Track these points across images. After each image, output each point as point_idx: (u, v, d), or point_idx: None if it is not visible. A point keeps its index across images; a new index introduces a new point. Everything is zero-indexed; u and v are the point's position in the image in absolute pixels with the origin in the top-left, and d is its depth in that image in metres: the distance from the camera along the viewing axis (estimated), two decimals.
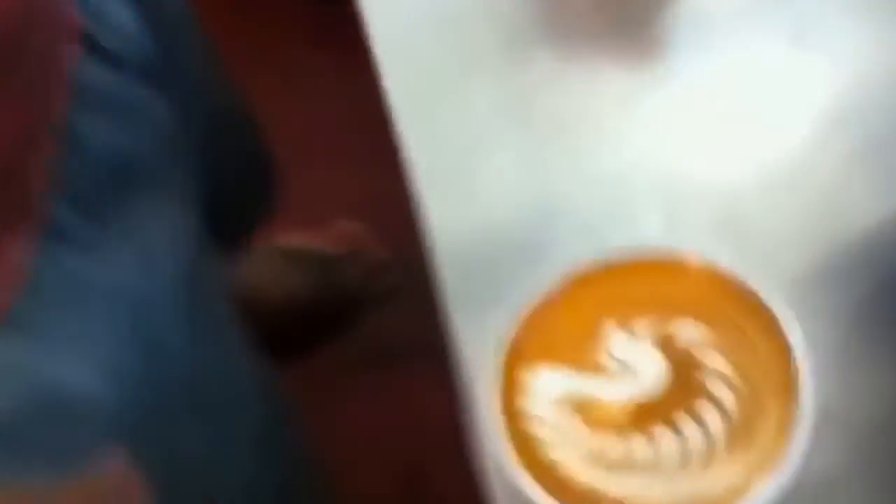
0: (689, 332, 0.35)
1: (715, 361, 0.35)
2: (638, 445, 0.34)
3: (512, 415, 0.35)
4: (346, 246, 1.01)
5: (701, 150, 0.47)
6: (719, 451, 0.34)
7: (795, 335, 0.34)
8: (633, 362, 0.35)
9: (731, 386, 0.34)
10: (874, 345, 0.42)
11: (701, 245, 0.37)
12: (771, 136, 0.47)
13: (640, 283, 0.36)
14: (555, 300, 0.36)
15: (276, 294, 0.99)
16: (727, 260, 0.36)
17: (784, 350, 0.34)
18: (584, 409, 0.35)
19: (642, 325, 0.36)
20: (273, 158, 0.80)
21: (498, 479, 0.41)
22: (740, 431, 0.34)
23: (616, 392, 0.35)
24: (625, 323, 0.36)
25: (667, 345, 0.35)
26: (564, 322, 0.36)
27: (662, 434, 0.34)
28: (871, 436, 0.40)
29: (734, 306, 0.36)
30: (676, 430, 0.34)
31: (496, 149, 0.48)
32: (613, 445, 0.34)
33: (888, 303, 0.42)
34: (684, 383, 0.35)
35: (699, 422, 0.34)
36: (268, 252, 0.99)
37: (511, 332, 0.36)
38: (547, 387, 0.35)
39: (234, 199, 0.70)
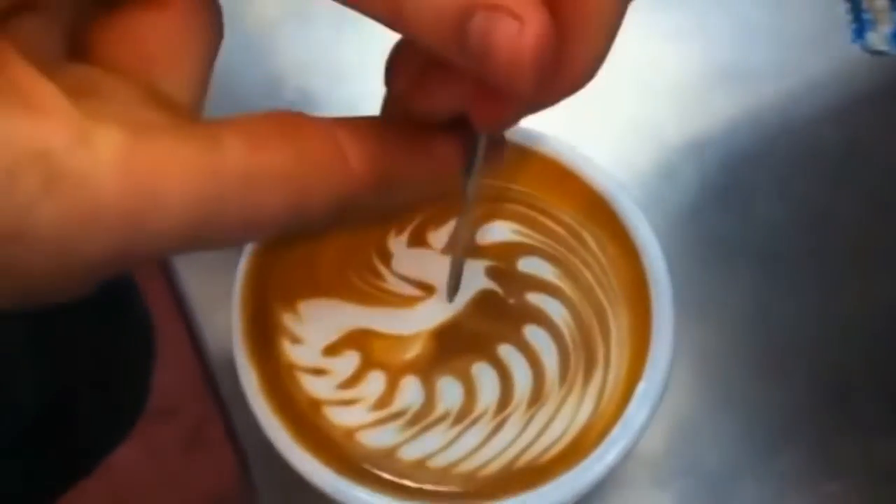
0: (505, 237, 0.27)
1: (542, 272, 0.26)
2: (441, 390, 0.25)
3: (273, 369, 0.26)
4: None
5: None
6: (550, 389, 0.25)
7: (646, 237, 0.26)
8: (429, 282, 0.26)
9: (564, 302, 0.26)
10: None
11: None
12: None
13: None
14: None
15: None
16: (557, 144, 0.27)
17: (632, 255, 0.26)
18: (369, 351, 0.26)
19: (439, 234, 0.27)
20: None
21: (260, 457, 0.32)
22: (578, 361, 0.25)
23: (408, 324, 0.26)
24: (414, 232, 0.27)
25: (476, 257, 0.26)
26: (332, 242, 0.27)
27: (474, 372, 0.25)
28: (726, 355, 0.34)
29: (567, 202, 0.27)
30: (494, 365, 0.25)
31: None
32: (409, 393, 0.25)
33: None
34: (500, 305, 0.26)
35: (524, 352, 0.25)
36: None
37: (253, 262, 0.26)
38: (316, 329, 0.26)
39: None
